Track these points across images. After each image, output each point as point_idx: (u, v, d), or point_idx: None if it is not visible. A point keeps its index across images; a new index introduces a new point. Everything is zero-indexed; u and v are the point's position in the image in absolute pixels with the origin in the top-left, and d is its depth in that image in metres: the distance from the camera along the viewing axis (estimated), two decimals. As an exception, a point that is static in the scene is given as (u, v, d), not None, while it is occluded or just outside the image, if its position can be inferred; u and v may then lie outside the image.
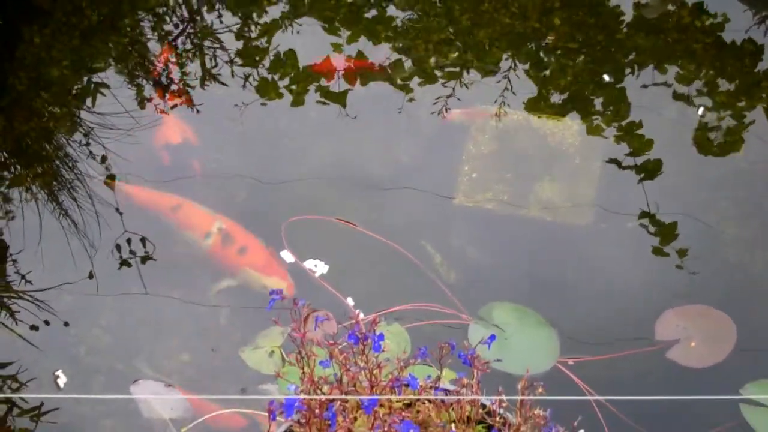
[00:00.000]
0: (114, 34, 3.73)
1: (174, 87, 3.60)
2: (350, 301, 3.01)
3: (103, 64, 3.64)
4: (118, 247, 3.16)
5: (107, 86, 3.57)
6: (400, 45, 3.66)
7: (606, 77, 3.55)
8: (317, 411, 1.84)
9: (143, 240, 3.18)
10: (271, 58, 3.66)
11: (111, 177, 3.32)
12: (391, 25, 3.71)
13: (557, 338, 2.93)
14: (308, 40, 3.71)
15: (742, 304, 3.03)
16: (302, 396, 1.82)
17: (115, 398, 2.85)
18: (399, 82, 3.57)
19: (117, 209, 3.25)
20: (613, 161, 3.33)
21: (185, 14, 3.86)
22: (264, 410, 2.71)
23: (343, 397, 1.83)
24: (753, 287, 3.10)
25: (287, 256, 3.12)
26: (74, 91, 3.59)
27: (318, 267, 3.10)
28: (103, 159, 3.37)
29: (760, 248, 3.18)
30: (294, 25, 3.75)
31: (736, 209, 3.25)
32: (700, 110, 3.46)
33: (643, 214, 3.20)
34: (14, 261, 3.15)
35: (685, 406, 2.79)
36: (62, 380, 2.91)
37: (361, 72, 3.61)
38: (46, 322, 3.01)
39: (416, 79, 3.58)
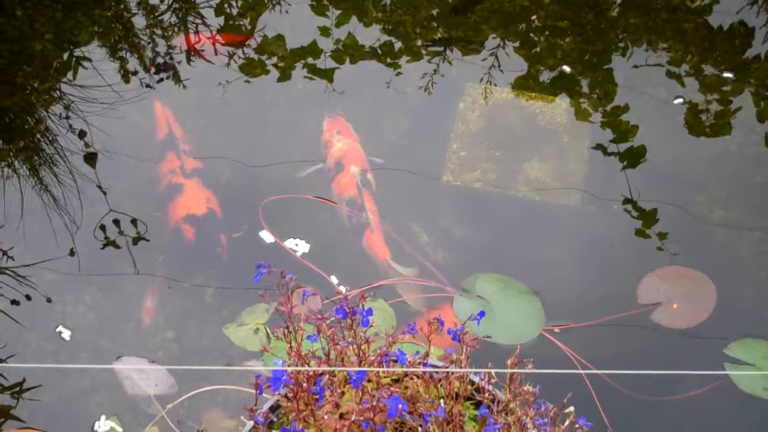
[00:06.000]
0: (97, 8, 3.67)
1: (160, 61, 3.56)
2: (334, 279, 2.99)
3: (86, 38, 3.59)
4: (103, 228, 3.12)
5: (90, 60, 3.52)
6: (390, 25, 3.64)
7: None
8: (305, 385, 1.81)
9: (134, 221, 3.16)
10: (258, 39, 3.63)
11: (92, 154, 3.28)
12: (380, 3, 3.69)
13: (542, 307, 2.93)
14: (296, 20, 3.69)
15: (720, 265, 3.06)
16: (289, 368, 1.79)
17: (98, 371, 2.83)
18: (387, 60, 3.54)
19: (99, 186, 3.22)
20: (600, 146, 3.31)
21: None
22: (249, 386, 2.71)
23: (331, 368, 1.80)
24: (730, 254, 3.12)
25: (267, 236, 3.08)
26: (56, 65, 3.54)
27: (299, 246, 3.07)
28: (82, 134, 3.32)
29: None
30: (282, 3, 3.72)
31: (724, 191, 3.25)
32: (678, 100, 3.44)
33: (626, 201, 3.19)
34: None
35: (671, 365, 2.80)
36: (66, 334, 2.89)
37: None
38: (28, 297, 2.97)
39: (404, 57, 3.56)
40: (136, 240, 3.10)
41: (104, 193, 3.19)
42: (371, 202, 3.13)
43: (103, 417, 2.74)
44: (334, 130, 3.32)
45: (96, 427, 2.73)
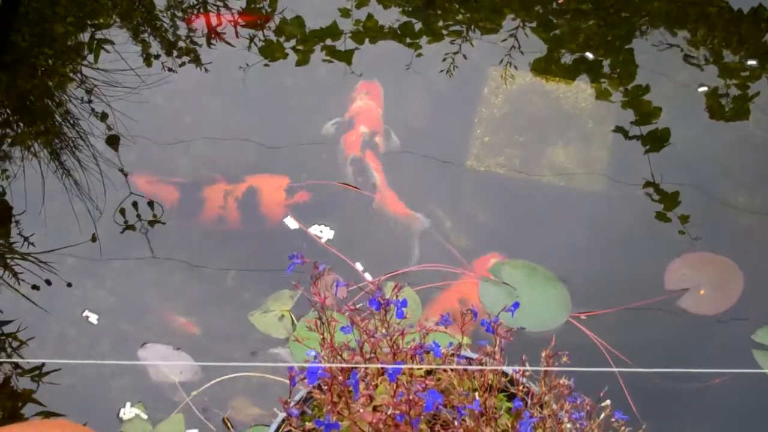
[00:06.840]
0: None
1: (181, 45, 3.53)
2: (359, 266, 2.97)
3: (106, 20, 3.56)
4: (123, 211, 3.11)
5: (112, 43, 3.49)
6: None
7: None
8: (340, 378, 1.80)
9: (150, 203, 3.14)
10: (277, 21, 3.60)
11: (114, 137, 3.26)
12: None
13: (568, 293, 2.92)
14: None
15: (747, 251, 3.04)
16: (326, 364, 1.78)
17: (121, 357, 2.83)
18: (408, 40, 3.51)
19: (121, 170, 3.20)
20: (619, 128, 3.28)
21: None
22: (275, 374, 2.71)
23: (369, 365, 1.79)
24: (757, 240, 3.10)
25: (291, 222, 3.06)
26: (78, 48, 3.51)
27: (323, 232, 3.05)
28: (104, 116, 3.30)
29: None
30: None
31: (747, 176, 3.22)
32: (702, 88, 3.39)
33: (647, 184, 3.17)
34: (17, 222, 3.10)
35: (698, 352, 2.83)
36: (93, 318, 2.89)
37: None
38: (48, 282, 2.96)
39: (424, 38, 3.52)
40: (153, 222, 3.09)
41: (125, 175, 3.18)
42: (377, 162, 3.11)
43: (128, 404, 2.74)
44: (364, 90, 3.35)
45: (121, 414, 2.72)
